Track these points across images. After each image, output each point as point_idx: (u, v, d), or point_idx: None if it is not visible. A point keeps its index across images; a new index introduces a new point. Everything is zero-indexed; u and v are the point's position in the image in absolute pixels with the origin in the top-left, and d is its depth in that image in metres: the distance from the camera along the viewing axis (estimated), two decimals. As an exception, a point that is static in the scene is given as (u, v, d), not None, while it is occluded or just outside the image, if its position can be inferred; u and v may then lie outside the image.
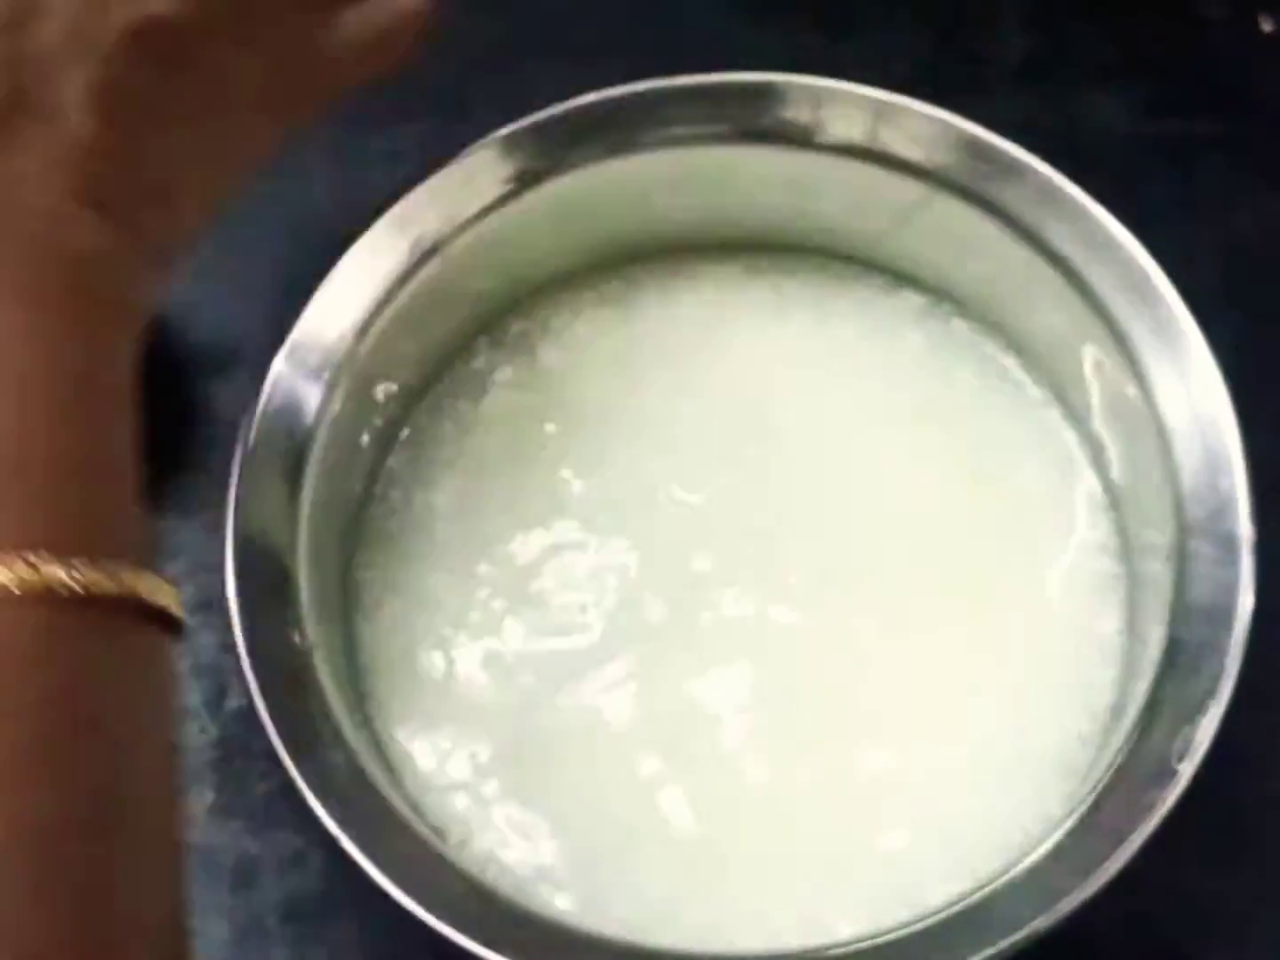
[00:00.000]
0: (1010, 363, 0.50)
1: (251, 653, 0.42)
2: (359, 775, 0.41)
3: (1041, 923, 0.39)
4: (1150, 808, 0.39)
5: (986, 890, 0.39)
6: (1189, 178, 0.56)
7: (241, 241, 0.57)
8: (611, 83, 0.49)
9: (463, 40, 0.62)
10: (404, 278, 0.46)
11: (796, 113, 0.47)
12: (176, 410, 0.54)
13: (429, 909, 0.39)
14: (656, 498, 0.48)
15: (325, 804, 0.40)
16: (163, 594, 0.31)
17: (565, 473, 0.48)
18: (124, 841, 0.30)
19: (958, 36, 0.59)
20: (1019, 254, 0.46)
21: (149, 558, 0.32)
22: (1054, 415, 0.49)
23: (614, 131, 0.48)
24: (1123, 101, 0.58)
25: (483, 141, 0.48)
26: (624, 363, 0.50)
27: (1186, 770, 0.40)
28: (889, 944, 0.39)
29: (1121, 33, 0.59)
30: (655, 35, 0.61)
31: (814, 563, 0.47)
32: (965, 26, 0.59)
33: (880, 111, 0.47)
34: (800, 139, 0.48)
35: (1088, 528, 0.48)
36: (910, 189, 0.47)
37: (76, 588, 0.29)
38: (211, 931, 0.48)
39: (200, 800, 0.49)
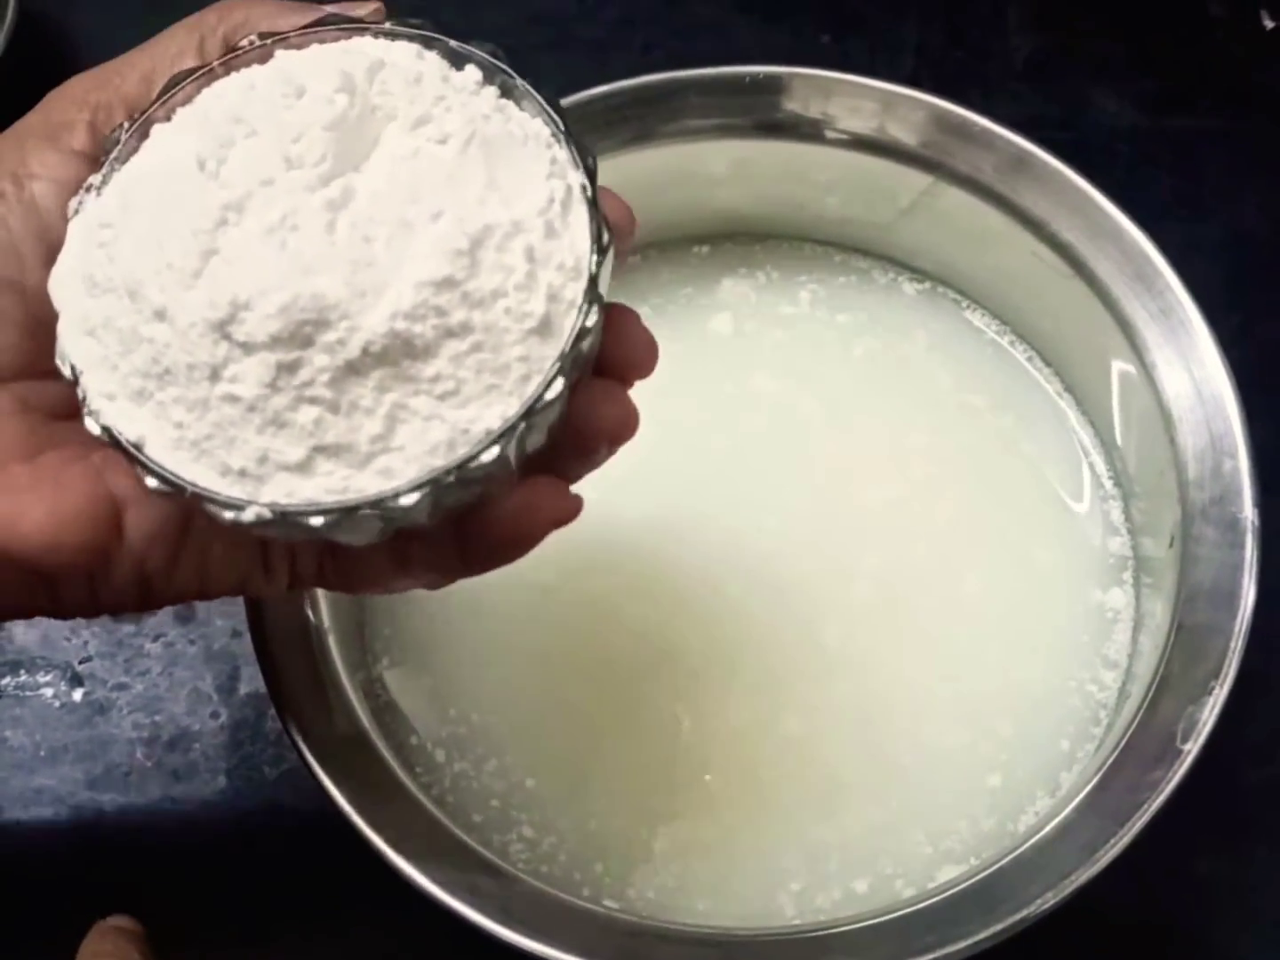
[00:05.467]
0: (1018, 350, 0.50)
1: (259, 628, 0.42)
2: (370, 752, 0.42)
3: (1047, 901, 0.39)
4: (1155, 786, 0.40)
5: (993, 868, 0.40)
6: (1193, 172, 0.57)
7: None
8: (620, 79, 0.49)
9: (471, 36, 0.63)
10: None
11: (806, 105, 0.48)
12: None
13: (442, 887, 0.39)
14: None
15: (335, 781, 0.41)
16: None
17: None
18: None
19: (964, 34, 0.60)
20: (1024, 243, 0.47)
21: None
22: (1063, 401, 0.50)
23: (626, 125, 0.48)
24: (1128, 97, 0.58)
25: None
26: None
27: (1191, 750, 0.40)
28: (894, 921, 0.39)
29: (1126, 30, 0.59)
30: (665, 33, 0.62)
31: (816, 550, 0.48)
32: (972, 24, 0.60)
33: (887, 102, 0.47)
34: (810, 131, 0.48)
35: (1096, 509, 0.48)
36: (916, 180, 0.48)
37: None
38: (222, 916, 0.48)
39: (212, 784, 0.49)
